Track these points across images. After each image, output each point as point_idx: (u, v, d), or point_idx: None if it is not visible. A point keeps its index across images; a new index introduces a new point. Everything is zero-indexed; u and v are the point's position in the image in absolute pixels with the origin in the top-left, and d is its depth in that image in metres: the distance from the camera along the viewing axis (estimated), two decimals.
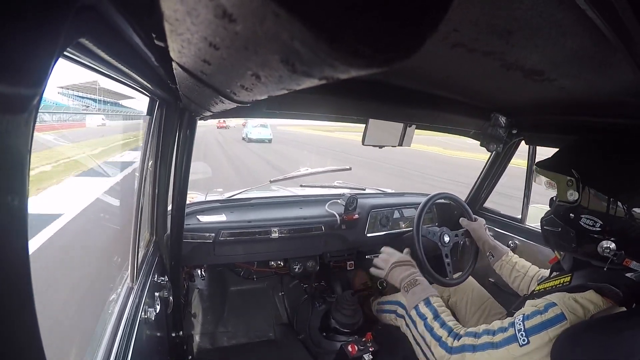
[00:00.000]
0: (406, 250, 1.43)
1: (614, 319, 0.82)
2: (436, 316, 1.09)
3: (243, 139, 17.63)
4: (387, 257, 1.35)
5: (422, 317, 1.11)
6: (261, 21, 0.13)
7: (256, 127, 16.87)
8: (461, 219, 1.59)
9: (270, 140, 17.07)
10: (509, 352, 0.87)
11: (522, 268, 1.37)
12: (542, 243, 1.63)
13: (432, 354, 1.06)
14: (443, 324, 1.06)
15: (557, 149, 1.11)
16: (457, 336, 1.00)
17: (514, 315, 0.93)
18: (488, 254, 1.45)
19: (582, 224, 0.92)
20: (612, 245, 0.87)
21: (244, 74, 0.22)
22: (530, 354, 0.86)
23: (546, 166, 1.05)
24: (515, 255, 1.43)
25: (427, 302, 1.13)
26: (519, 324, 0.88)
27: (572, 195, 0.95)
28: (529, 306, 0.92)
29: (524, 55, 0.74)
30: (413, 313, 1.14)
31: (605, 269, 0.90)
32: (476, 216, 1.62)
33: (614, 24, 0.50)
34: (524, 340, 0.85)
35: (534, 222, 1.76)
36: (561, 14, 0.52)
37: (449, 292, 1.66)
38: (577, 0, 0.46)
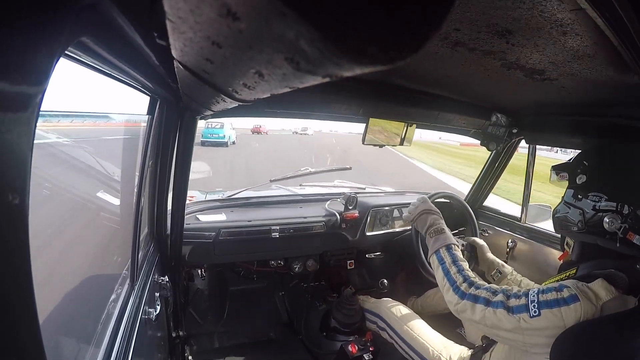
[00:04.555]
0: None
1: (616, 320, 0.82)
2: (455, 262, 1.09)
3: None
4: (418, 203, 1.34)
5: (441, 261, 1.11)
6: (266, 20, 0.13)
7: (210, 127, 13.47)
8: (471, 238, 1.56)
9: (226, 144, 13.90)
10: (519, 320, 0.86)
11: (527, 286, 1.35)
12: (541, 241, 1.65)
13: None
14: (461, 271, 1.06)
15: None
16: (474, 284, 1.00)
17: (529, 288, 0.92)
18: (495, 271, 1.43)
19: (590, 201, 0.97)
20: (618, 219, 0.90)
21: (246, 72, 0.22)
22: (538, 328, 0.84)
23: (562, 165, 1.11)
24: (519, 275, 1.41)
25: (449, 248, 1.14)
26: (533, 296, 0.87)
27: (581, 178, 1.00)
28: (543, 285, 0.92)
29: (524, 55, 0.74)
30: (433, 258, 1.15)
31: (611, 260, 0.91)
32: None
33: (614, 24, 0.50)
34: (535, 312, 0.84)
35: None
36: (561, 13, 0.53)
37: None
38: (578, 0, 0.46)
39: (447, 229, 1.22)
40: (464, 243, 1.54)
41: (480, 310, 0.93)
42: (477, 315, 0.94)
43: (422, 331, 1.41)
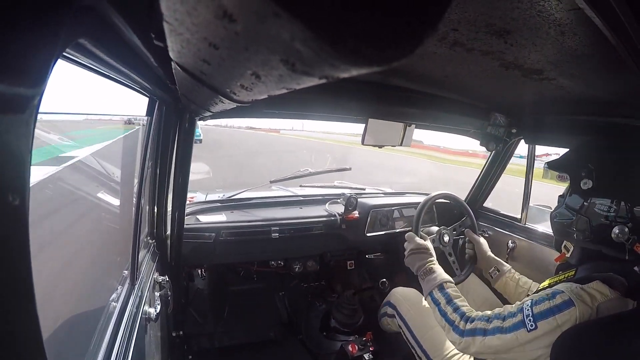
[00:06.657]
0: (431, 237, 1.43)
1: (614, 322, 0.82)
2: (449, 301, 1.09)
3: None
4: (407, 244, 1.34)
5: (436, 302, 1.12)
6: (262, 21, 0.13)
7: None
8: (467, 230, 1.55)
9: (200, 141, 17.51)
10: (518, 337, 0.87)
11: (525, 284, 1.36)
12: (542, 242, 1.65)
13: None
14: (456, 309, 1.06)
15: (567, 150, 1.12)
16: (469, 319, 1.00)
17: (522, 301, 0.92)
18: (492, 269, 1.42)
19: (597, 210, 0.94)
20: (627, 229, 0.88)
21: (243, 73, 0.23)
22: (538, 339, 0.85)
23: (559, 164, 1.08)
24: (517, 272, 1.41)
25: (441, 288, 1.14)
26: (527, 310, 0.88)
27: (587, 184, 0.97)
28: (537, 294, 0.92)
29: (522, 55, 0.74)
30: (428, 300, 1.16)
31: (610, 262, 0.91)
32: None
33: (612, 23, 0.50)
34: (531, 326, 0.85)
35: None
36: (559, 13, 0.53)
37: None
38: (576, 0, 0.46)
39: (436, 267, 1.22)
40: (466, 238, 1.54)
41: (480, 342, 0.94)
42: (480, 347, 0.95)
43: (430, 320, 1.40)
